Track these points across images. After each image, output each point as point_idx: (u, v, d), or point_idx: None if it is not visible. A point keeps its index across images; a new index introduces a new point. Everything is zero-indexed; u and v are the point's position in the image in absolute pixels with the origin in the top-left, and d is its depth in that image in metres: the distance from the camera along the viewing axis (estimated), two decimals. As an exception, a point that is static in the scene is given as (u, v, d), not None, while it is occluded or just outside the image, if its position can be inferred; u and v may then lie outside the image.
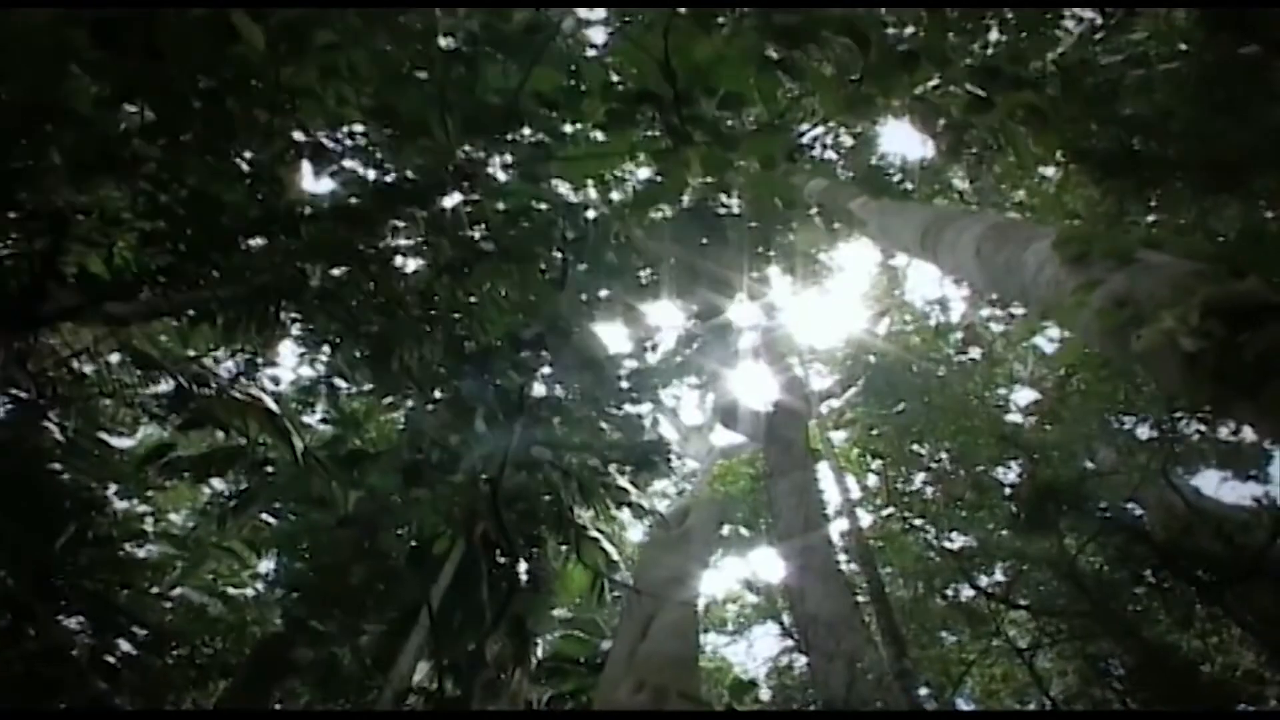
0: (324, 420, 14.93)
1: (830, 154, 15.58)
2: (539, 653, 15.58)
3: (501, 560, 13.25)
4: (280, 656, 11.77)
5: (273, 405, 9.50)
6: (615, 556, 13.87)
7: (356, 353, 6.72)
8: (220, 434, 17.05)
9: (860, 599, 11.28)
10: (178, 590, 16.29)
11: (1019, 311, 14.79)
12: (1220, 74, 9.01)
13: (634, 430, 7.86)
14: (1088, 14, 11.78)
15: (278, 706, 14.17)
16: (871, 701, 8.47)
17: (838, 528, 12.45)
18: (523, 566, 13.94)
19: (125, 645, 13.33)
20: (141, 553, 14.77)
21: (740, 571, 20.30)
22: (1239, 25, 8.89)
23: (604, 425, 7.68)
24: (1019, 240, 5.82)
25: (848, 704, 8.75)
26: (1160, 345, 3.80)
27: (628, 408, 7.38)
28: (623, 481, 14.44)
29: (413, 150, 4.81)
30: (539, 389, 7.25)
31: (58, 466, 11.34)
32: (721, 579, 28.61)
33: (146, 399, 10.81)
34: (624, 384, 7.07)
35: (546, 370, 6.70)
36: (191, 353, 10.48)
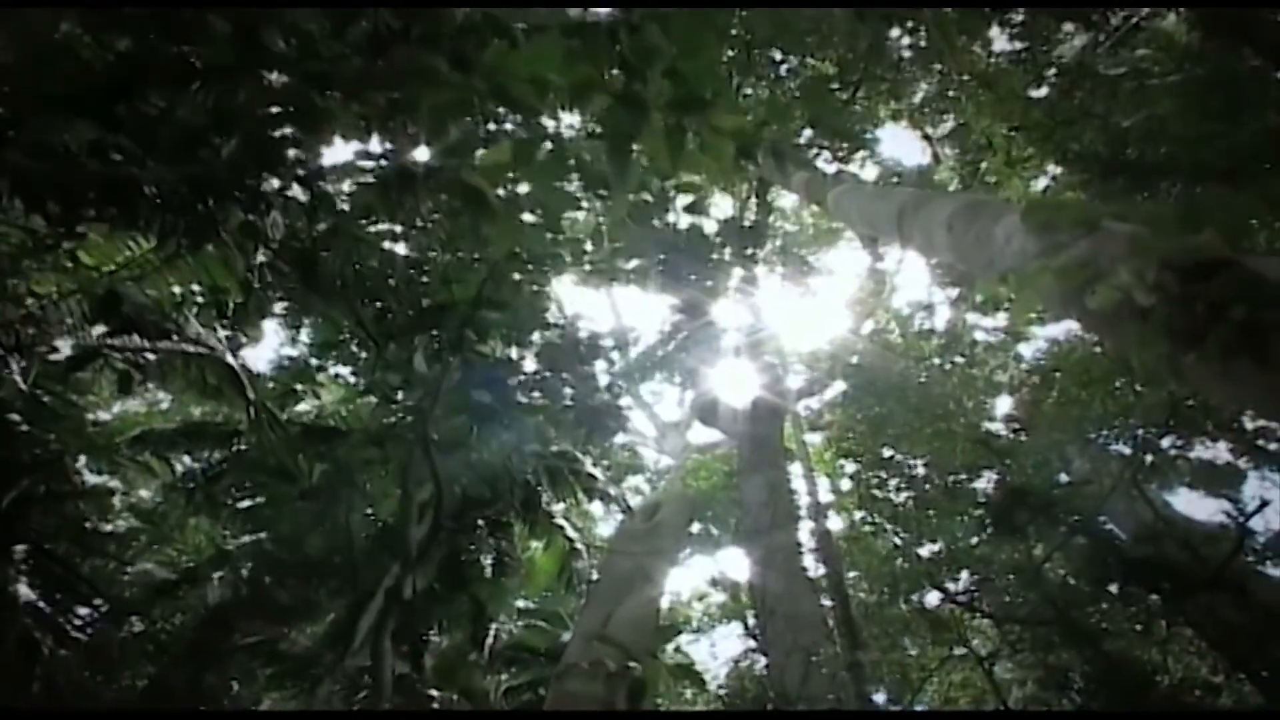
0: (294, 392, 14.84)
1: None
2: (500, 642, 15.38)
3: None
4: (228, 629, 11.53)
5: (230, 359, 9.29)
6: (580, 545, 13.67)
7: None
8: (196, 411, 16.98)
9: (823, 598, 11.13)
10: (143, 566, 16.10)
11: (1001, 321, 14.77)
12: (1216, 81, 8.98)
13: (588, 390, 7.69)
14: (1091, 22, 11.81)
15: (235, 687, 13.98)
16: (824, 695, 8.32)
17: (806, 527, 12.30)
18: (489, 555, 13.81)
19: (83, 611, 13.16)
20: (108, 526, 14.63)
21: (708, 570, 20.16)
22: (1236, 31, 8.86)
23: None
24: (990, 216, 5.73)
25: (801, 697, 8.59)
26: (1115, 302, 3.70)
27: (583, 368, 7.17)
28: (591, 469, 14.32)
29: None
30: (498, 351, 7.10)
31: (16, 418, 11.13)
32: (689, 577, 28.48)
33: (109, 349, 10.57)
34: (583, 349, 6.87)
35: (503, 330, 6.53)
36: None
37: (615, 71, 3.11)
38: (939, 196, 7.52)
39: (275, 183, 5.39)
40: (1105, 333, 4.28)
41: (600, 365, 8.17)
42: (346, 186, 6.11)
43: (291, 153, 4.96)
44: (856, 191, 8.57)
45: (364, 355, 8.19)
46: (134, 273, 7.71)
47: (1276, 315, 3.18)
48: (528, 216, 6.57)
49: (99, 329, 7.88)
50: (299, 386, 15.12)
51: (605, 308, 19.67)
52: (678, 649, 16.30)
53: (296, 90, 3.90)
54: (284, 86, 3.98)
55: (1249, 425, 10.62)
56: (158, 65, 3.99)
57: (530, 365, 8.59)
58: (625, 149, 2.95)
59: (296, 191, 5.51)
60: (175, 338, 8.83)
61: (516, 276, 7.26)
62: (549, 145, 3.01)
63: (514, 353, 7.23)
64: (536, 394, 8.06)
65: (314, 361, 12.10)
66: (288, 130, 4.48)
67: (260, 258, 6.25)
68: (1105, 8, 10.74)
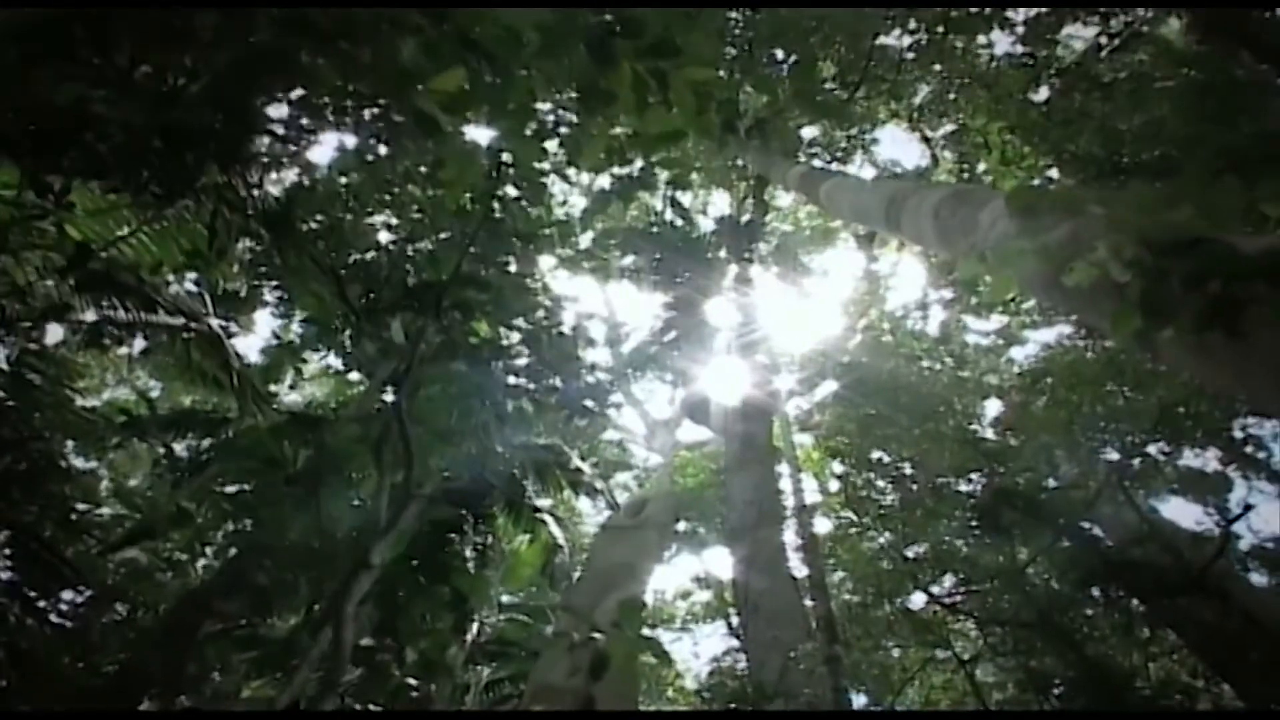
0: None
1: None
2: (483, 635, 15.30)
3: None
4: (205, 610, 11.41)
5: (215, 327, 9.21)
6: (562, 540, 13.59)
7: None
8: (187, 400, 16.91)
9: (806, 596, 11.05)
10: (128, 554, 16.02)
11: (994, 324, 14.74)
12: (1213, 85, 8.98)
13: (572, 372, 7.63)
14: (1092, 31, 11.84)
15: (216, 676, 13.86)
16: (801, 690, 8.24)
17: (791, 524, 12.22)
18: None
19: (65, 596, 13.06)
20: (93, 511, 14.54)
21: (693, 568, 20.09)
22: (1234, 34, 8.85)
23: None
24: (975, 203, 5.75)
25: (778, 693, 8.52)
26: (1092, 279, 3.67)
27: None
28: (579, 463, 14.27)
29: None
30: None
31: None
32: (674, 575, 28.43)
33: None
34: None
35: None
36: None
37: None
38: (927, 187, 7.52)
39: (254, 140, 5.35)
40: (1082, 312, 4.24)
41: (585, 348, 8.09)
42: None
43: (271, 110, 4.92)
44: (847, 184, 8.55)
45: (348, 334, 8.13)
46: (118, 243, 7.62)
47: (1250, 289, 3.15)
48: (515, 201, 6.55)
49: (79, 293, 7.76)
50: (286, 372, 15.13)
51: (599, 304, 19.56)
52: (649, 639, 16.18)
53: (272, 42, 3.84)
54: (260, 40, 3.93)
55: (1237, 433, 10.60)
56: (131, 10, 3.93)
57: (522, 362, 8.54)
58: (594, 99, 2.90)
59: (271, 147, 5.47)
60: (159, 306, 8.74)
61: (506, 264, 7.23)
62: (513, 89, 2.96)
63: (500, 334, 7.16)
64: (520, 375, 7.99)
65: (298, 331, 12.06)
66: (264, 82, 4.45)
67: (232, 216, 6.17)
68: (1104, 8, 10.75)
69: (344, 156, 5.85)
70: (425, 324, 6.01)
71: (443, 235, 7.06)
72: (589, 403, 8.36)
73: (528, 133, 3.35)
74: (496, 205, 5.94)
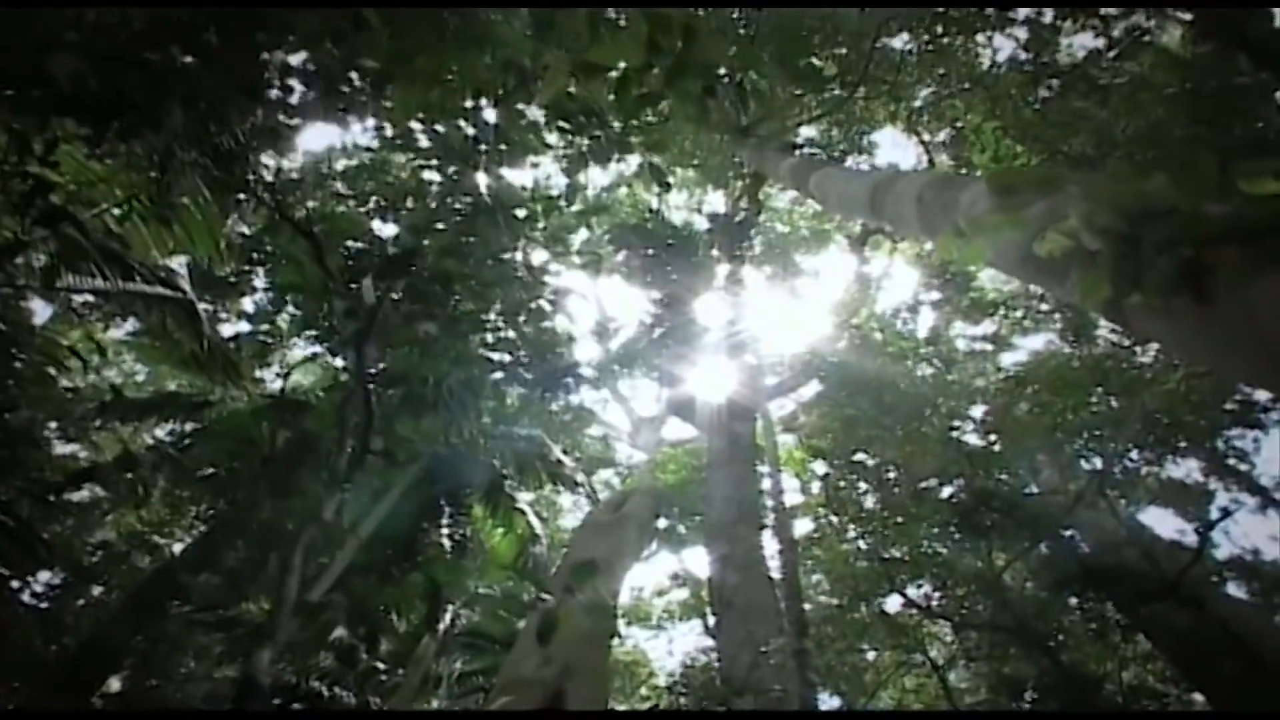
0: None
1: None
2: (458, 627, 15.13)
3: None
4: (174, 586, 11.26)
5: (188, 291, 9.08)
6: (539, 530, 13.43)
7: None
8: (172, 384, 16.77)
9: (779, 593, 10.95)
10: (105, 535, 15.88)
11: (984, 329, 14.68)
12: (1209, 88, 8.96)
13: (547, 347, 7.53)
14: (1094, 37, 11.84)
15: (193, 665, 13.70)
16: (770, 684, 8.15)
17: (770, 522, 12.12)
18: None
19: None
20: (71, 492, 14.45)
21: (671, 566, 19.94)
22: (1233, 38, 8.82)
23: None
24: (957, 186, 5.69)
25: (748, 687, 8.43)
26: (1063, 248, 3.62)
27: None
28: (560, 454, 14.12)
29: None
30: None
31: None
32: (652, 573, 28.29)
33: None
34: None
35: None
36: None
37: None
38: (911, 173, 7.44)
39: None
40: (1053, 286, 4.17)
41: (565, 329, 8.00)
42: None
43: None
44: (835, 173, 8.49)
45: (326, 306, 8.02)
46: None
47: (1220, 253, 3.10)
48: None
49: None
50: (271, 356, 15.00)
51: (590, 299, 19.44)
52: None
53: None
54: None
55: (1220, 445, 10.53)
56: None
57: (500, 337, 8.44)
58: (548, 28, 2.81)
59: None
60: (136, 273, 8.60)
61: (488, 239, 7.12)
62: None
63: (480, 308, 7.06)
64: (497, 349, 7.90)
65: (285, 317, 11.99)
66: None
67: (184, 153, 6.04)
68: (1105, 7, 10.75)
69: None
70: (393, 284, 5.91)
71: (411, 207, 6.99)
72: (565, 380, 8.19)
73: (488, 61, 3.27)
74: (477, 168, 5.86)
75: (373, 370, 6.42)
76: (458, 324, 7.04)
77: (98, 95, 4.48)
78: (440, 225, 7.16)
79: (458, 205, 6.91)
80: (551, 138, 7.05)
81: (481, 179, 6.63)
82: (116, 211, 8.64)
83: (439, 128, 6.50)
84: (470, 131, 6.02)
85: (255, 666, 5.12)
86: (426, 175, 7.60)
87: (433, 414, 8.55)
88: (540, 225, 7.64)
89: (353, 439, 6.97)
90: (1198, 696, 9.34)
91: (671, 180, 16.19)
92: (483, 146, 5.76)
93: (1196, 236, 3.09)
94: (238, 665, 13.10)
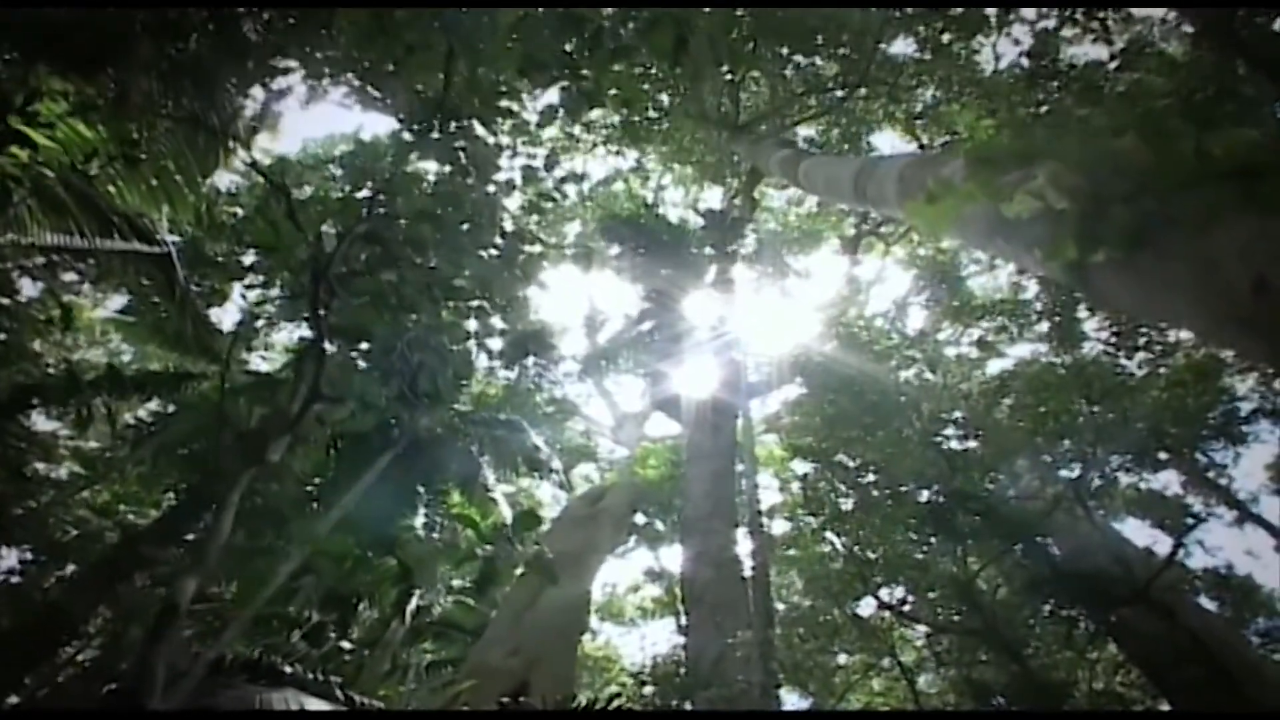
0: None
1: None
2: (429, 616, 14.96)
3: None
4: (134, 559, 11.09)
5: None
6: (508, 519, 13.24)
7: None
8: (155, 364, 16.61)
9: (750, 588, 10.86)
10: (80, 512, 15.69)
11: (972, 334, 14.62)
12: (1206, 91, 8.97)
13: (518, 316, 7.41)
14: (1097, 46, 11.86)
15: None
16: (735, 675, 8.06)
17: (745, 518, 12.02)
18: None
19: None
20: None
21: (646, 562, 19.77)
22: (1231, 41, 8.81)
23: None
24: (938, 164, 5.69)
25: (714, 677, 8.35)
26: (1030, 208, 3.56)
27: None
28: (537, 440, 13.97)
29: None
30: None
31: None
32: (627, 569, 28.11)
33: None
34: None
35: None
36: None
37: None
38: (894, 157, 7.44)
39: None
40: (1020, 256, 4.10)
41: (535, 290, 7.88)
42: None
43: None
44: (822, 161, 8.48)
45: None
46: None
47: (1181, 204, 3.05)
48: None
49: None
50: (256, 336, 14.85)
51: (579, 294, 19.33)
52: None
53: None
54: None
55: (1199, 457, 10.47)
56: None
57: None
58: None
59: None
60: (113, 226, 8.49)
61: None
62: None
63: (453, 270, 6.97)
64: (468, 316, 7.79)
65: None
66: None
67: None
68: (1105, 7, 10.76)
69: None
70: (353, 227, 5.82)
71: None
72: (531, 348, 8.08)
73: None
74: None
75: (331, 318, 6.33)
76: (429, 289, 6.93)
77: (67, 27, 4.39)
78: (415, 189, 7.08)
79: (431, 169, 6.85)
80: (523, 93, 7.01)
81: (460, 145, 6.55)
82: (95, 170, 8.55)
83: (419, 87, 6.44)
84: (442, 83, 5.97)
85: (179, 595, 4.98)
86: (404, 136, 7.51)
87: (389, 374, 8.40)
88: (524, 192, 7.53)
89: (304, 384, 6.87)
90: (1164, 705, 9.28)
91: (667, 177, 16.18)
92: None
93: (1160, 188, 3.05)
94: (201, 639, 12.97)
